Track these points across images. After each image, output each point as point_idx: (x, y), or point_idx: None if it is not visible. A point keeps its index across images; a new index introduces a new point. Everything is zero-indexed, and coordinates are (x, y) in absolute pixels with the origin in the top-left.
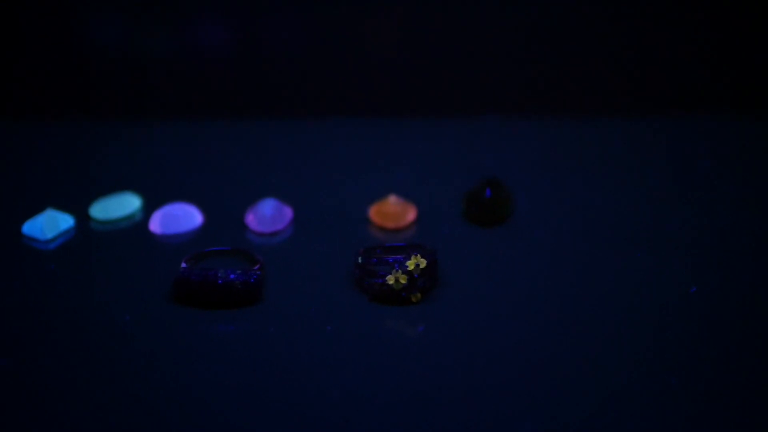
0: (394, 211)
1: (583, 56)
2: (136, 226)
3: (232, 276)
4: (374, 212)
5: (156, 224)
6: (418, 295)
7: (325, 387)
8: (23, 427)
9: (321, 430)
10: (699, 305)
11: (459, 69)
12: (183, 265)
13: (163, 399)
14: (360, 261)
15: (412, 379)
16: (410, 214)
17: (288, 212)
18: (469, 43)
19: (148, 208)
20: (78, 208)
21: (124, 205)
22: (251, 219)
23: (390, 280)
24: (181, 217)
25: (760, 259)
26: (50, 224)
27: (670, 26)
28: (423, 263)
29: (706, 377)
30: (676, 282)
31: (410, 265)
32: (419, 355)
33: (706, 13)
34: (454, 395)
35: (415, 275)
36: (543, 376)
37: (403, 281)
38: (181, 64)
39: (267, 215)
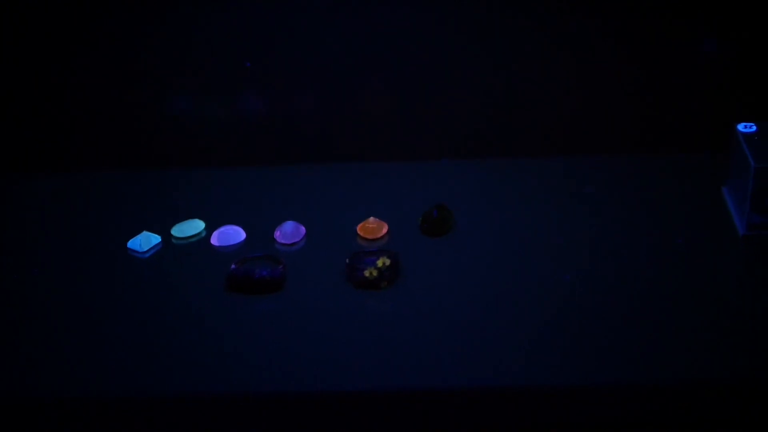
0: (372, 228)
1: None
2: (202, 241)
3: (264, 272)
4: (360, 228)
5: (215, 239)
6: (385, 283)
7: (328, 345)
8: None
9: (326, 374)
10: (569, 291)
11: (420, 126)
12: (233, 266)
13: (221, 355)
14: (348, 262)
15: (384, 336)
16: (384, 230)
17: (302, 230)
18: (429, 105)
19: (210, 229)
20: (163, 230)
21: (194, 227)
22: (278, 234)
23: (366, 273)
24: (231, 235)
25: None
26: (145, 241)
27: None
28: (387, 262)
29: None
30: (558, 273)
31: (379, 263)
32: (388, 323)
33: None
34: (411, 348)
35: (383, 270)
36: (474, 336)
37: (375, 274)
38: (228, 127)
39: (288, 232)
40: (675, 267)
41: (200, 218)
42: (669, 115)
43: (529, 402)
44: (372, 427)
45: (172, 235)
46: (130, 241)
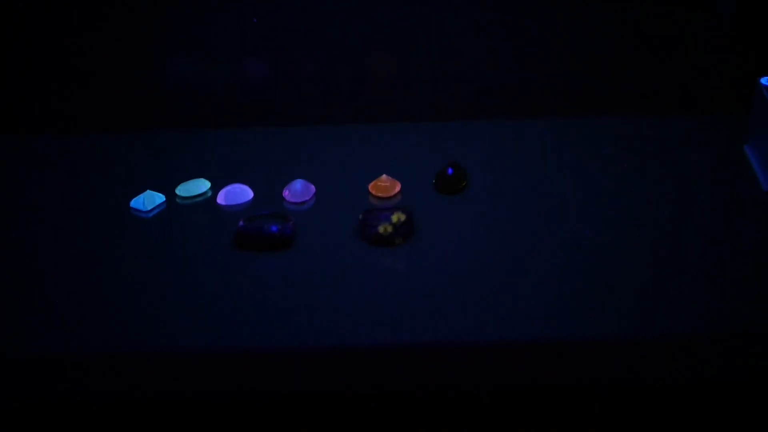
0: (385, 186)
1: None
2: (207, 201)
3: (274, 228)
4: (372, 186)
5: (221, 198)
6: (400, 239)
7: (342, 300)
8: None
9: (335, 329)
10: (587, 247)
11: (436, 87)
12: (241, 223)
13: (229, 310)
14: (361, 218)
15: (399, 293)
16: (397, 188)
17: (312, 188)
18: (443, 66)
19: (216, 190)
20: (168, 191)
21: (199, 186)
22: (287, 193)
23: (381, 229)
24: (238, 193)
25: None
26: (149, 200)
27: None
28: (403, 217)
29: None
30: (575, 229)
31: (394, 218)
32: (403, 280)
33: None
34: (425, 304)
35: (398, 226)
36: (489, 290)
37: (390, 230)
38: (234, 90)
39: (297, 190)
40: (698, 223)
41: (206, 179)
42: (687, 75)
43: (544, 356)
44: (386, 381)
45: (176, 195)
46: (133, 200)
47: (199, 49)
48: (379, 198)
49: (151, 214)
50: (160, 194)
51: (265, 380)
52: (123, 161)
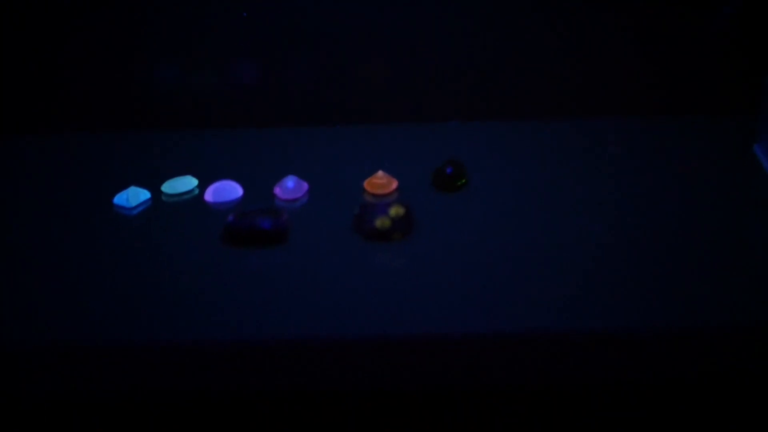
0: (381, 183)
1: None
2: (195, 198)
3: (265, 222)
4: (367, 183)
5: (209, 195)
6: (398, 234)
7: (332, 297)
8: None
9: (331, 322)
10: (590, 243)
11: (430, 86)
12: (230, 217)
13: (218, 308)
14: (357, 212)
15: (394, 288)
16: (393, 185)
17: (305, 185)
18: (440, 66)
19: (203, 188)
20: (154, 186)
21: (186, 183)
22: (278, 190)
23: (378, 223)
24: (227, 190)
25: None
26: (133, 196)
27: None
28: (401, 211)
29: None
30: (578, 227)
31: (392, 212)
32: (398, 276)
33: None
34: (422, 301)
35: (396, 219)
36: (486, 284)
37: (388, 224)
38: (222, 93)
39: (289, 187)
40: (706, 223)
41: (193, 176)
42: (695, 75)
43: (544, 351)
44: (385, 375)
45: (162, 192)
46: (117, 196)
47: (190, 49)
48: (374, 196)
49: (135, 212)
50: (145, 191)
51: (260, 378)
52: (108, 160)
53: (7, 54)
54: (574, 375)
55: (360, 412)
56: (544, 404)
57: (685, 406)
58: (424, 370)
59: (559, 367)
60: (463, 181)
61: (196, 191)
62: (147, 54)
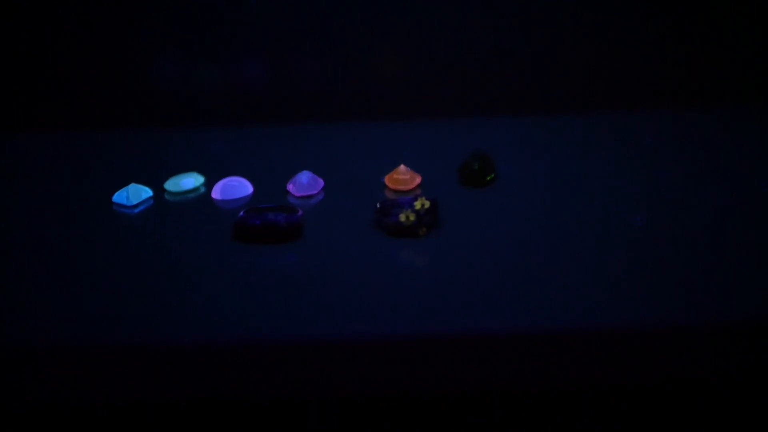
0: (404, 178)
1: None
2: (201, 196)
3: (279, 218)
4: (388, 179)
5: (216, 193)
6: (424, 229)
7: (352, 296)
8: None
9: (347, 321)
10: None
11: (456, 83)
12: (241, 213)
13: (231, 306)
14: (378, 206)
15: (419, 286)
16: (417, 180)
17: (320, 182)
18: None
19: (210, 186)
20: (156, 184)
21: (191, 180)
22: (291, 187)
23: (402, 217)
24: (236, 187)
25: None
26: (134, 194)
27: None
28: (427, 204)
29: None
30: (611, 221)
31: (417, 205)
32: (423, 274)
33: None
34: (447, 300)
35: (421, 213)
36: (514, 282)
37: (412, 218)
38: (231, 89)
39: (304, 183)
40: (748, 216)
41: (199, 173)
42: (724, 66)
43: (575, 349)
44: (410, 377)
45: (165, 190)
46: (116, 194)
47: (196, 46)
48: (396, 192)
49: (136, 210)
50: (147, 188)
51: (274, 381)
52: (110, 158)
53: (6, 50)
54: (623, 374)
55: (382, 415)
56: (589, 404)
57: (698, 407)
58: (450, 372)
59: (603, 367)
60: (492, 176)
61: (203, 189)
62: (153, 49)
